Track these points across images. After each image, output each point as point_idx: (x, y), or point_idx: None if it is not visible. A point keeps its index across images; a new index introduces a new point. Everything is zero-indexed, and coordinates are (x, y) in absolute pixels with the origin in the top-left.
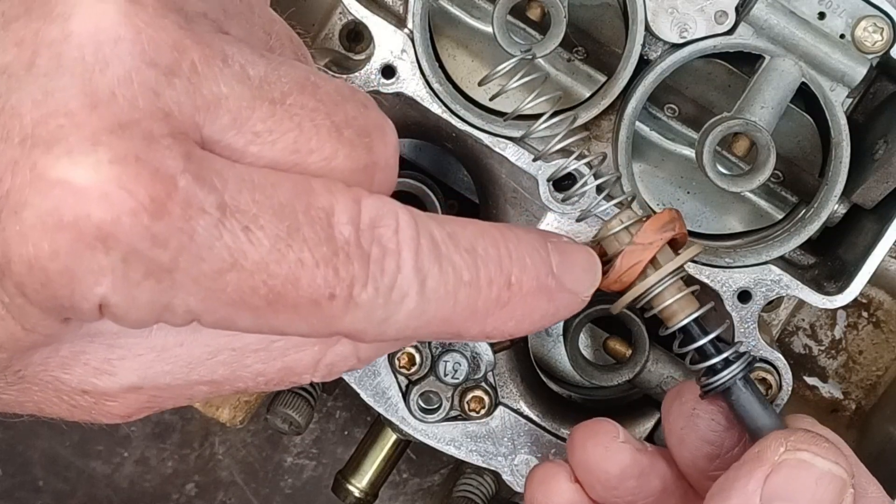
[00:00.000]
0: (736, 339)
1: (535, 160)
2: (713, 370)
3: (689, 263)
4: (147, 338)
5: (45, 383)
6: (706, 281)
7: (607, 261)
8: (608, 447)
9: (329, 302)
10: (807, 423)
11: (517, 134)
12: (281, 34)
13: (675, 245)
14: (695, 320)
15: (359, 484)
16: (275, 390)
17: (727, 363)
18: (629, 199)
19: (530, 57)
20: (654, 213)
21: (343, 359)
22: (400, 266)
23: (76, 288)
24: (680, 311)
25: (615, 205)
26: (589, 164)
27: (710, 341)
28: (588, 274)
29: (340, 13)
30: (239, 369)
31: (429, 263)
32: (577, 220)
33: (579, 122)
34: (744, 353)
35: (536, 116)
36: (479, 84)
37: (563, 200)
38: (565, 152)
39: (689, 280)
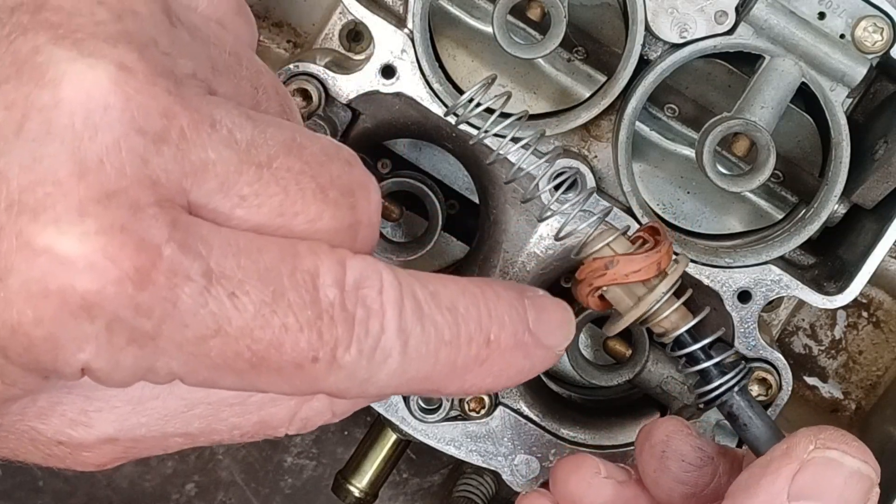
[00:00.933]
0: (734, 343)
1: (489, 164)
2: (707, 380)
3: (690, 265)
4: (123, 391)
5: (21, 432)
6: (706, 281)
7: (614, 256)
8: (591, 483)
9: (312, 364)
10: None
11: (517, 134)
12: (268, 87)
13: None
14: (688, 332)
15: (359, 484)
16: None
17: (722, 374)
18: (589, 191)
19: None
20: (646, 212)
21: (318, 413)
22: (384, 327)
23: (59, 354)
24: (674, 324)
25: (532, 153)
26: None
27: (703, 349)
28: (563, 329)
29: (340, 13)
30: (214, 423)
31: (412, 324)
32: (539, 220)
33: (578, 122)
34: (737, 362)
35: (536, 117)
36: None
37: (524, 202)
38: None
39: (682, 287)
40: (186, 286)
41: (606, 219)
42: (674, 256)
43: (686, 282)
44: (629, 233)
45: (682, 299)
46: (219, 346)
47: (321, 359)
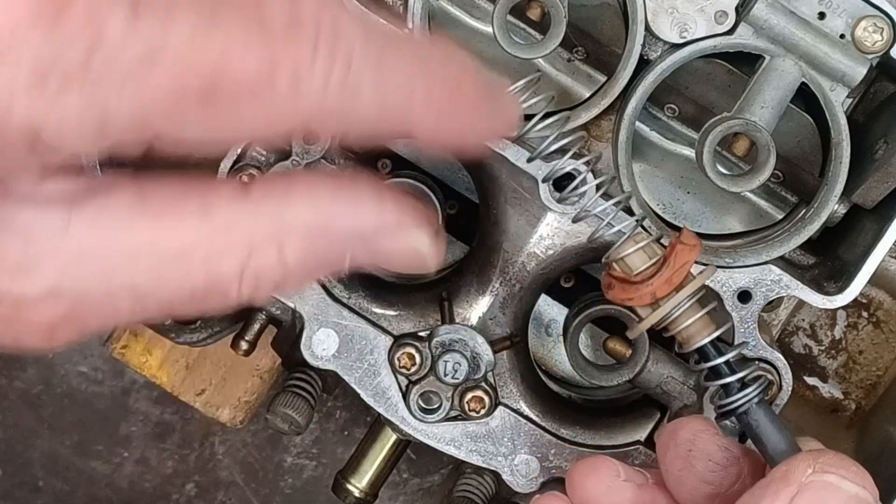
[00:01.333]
0: (739, 343)
1: (529, 160)
2: (729, 393)
3: (692, 265)
4: (64, 238)
5: None
6: (706, 281)
7: (620, 281)
8: (610, 486)
9: (270, 90)
10: (812, 445)
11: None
12: None
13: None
14: (712, 342)
15: (359, 484)
16: (205, 311)
17: (743, 386)
18: (627, 197)
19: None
20: (668, 229)
21: (269, 265)
22: (351, 48)
23: None
24: (697, 333)
25: (613, 204)
26: (587, 163)
27: (727, 362)
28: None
29: None
30: (160, 279)
31: (382, 48)
32: (574, 221)
33: (578, 122)
34: (760, 376)
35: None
36: None
37: (561, 200)
38: (562, 152)
39: (704, 298)
40: (111, 14)
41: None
42: (693, 268)
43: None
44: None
45: (706, 310)
46: (161, 75)
47: (279, 82)
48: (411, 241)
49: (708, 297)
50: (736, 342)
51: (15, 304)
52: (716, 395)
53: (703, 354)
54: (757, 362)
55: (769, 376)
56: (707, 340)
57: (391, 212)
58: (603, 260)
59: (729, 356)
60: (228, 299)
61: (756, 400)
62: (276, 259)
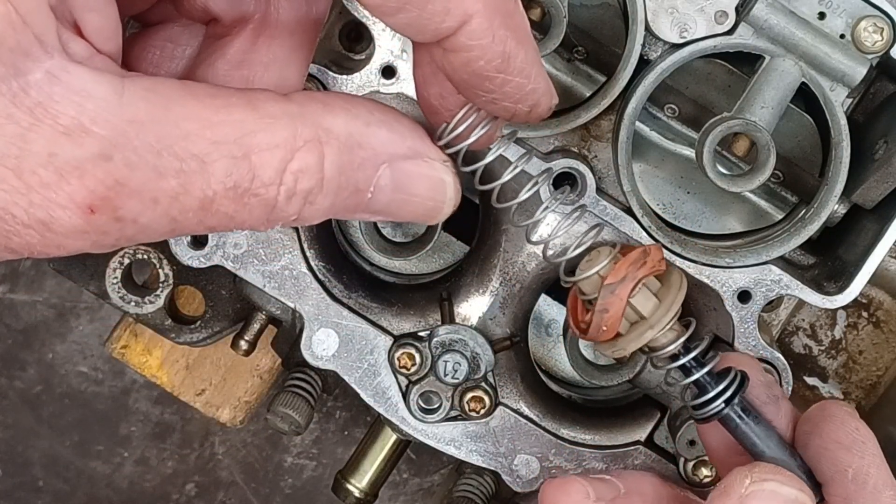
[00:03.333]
0: (733, 343)
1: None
2: (704, 399)
3: (690, 265)
4: (118, 103)
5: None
6: (706, 281)
7: (589, 301)
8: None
9: None
10: (842, 409)
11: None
12: None
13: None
14: (684, 346)
15: (359, 484)
16: (238, 220)
17: (718, 395)
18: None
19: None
20: (638, 222)
21: (308, 167)
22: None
23: None
24: (667, 345)
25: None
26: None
27: (706, 373)
28: None
29: (340, 13)
30: (207, 165)
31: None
32: (529, 241)
33: (578, 122)
34: (735, 376)
35: None
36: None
37: (517, 226)
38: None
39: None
40: None
41: (596, 237)
42: (673, 277)
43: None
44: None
45: (683, 320)
46: None
47: None
48: (438, 172)
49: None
50: (736, 342)
51: (61, 168)
52: (688, 394)
53: (683, 369)
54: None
55: (741, 373)
56: (685, 358)
57: (423, 140)
58: (583, 295)
59: (704, 371)
60: (266, 202)
61: (736, 401)
62: (315, 163)
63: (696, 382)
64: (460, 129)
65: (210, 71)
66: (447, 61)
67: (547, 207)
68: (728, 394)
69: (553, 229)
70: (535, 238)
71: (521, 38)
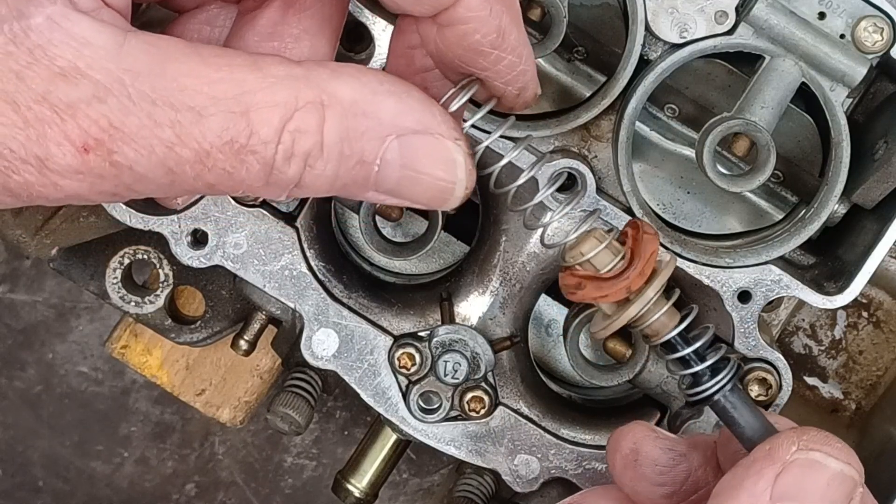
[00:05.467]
0: (724, 347)
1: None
2: (698, 381)
3: (689, 265)
4: (118, 52)
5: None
6: (706, 281)
7: (591, 279)
8: (654, 433)
9: None
10: (784, 424)
11: (517, 134)
12: None
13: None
14: (679, 333)
15: (359, 484)
16: (237, 181)
17: (713, 373)
18: (526, 139)
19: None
20: (645, 211)
21: (308, 128)
22: None
23: None
24: (663, 327)
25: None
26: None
27: (695, 351)
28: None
29: None
30: (203, 119)
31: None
32: (527, 227)
33: (578, 122)
34: (729, 360)
35: (536, 117)
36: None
37: (514, 211)
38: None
39: (668, 289)
40: None
41: (594, 222)
42: (659, 256)
43: (684, 282)
44: (615, 231)
45: (671, 301)
46: None
47: None
48: (450, 150)
49: (670, 287)
50: (736, 342)
51: (55, 105)
52: (683, 382)
53: (671, 346)
54: (724, 346)
55: (736, 359)
56: (676, 332)
57: (434, 115)
58: (563, 261)
59: (697, 346)
60: (264, 160)
61: (729, 387)
62: (314, 125)
63: (691, 357)
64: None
65: (240, 43)
66: (441, 38)
67: (546, 193)
68: (726, 374)
69: (551, 215)
70: (532, 223)
71: (514, 17)
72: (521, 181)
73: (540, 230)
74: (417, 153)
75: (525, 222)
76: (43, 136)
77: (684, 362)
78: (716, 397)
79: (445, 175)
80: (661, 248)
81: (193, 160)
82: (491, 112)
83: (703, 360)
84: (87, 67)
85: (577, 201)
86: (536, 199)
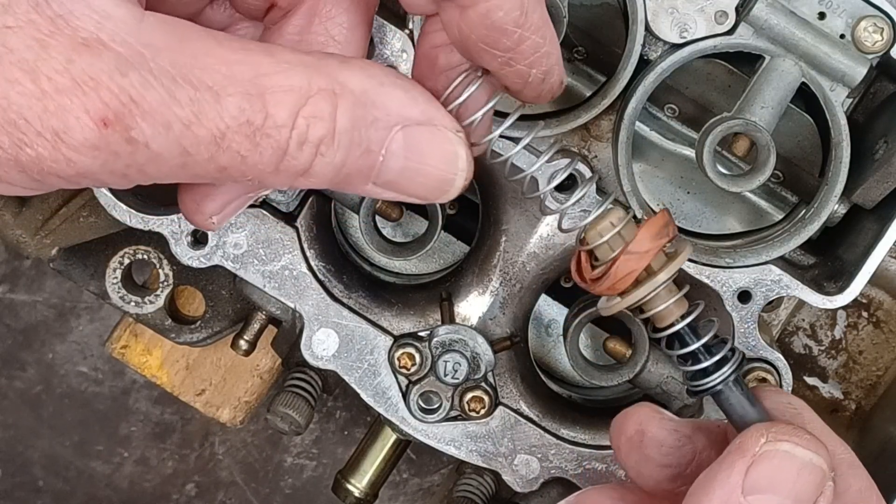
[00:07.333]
0: (731, 338)
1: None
2: (703, 373)
3: (689, 265)
4: (137, 27)
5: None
6: (706, 281)
7: (598, 264)
8: (660, 415)
9: None
10: (782, 397)
11: (517, 134)
12: None
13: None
14: (688, 325)
15: (359, 484)
16: (251, 167)
17: (718, 365)
18: (610, 195)
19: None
20: (647, 212)
21: (320, 116)
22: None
23: None
24: (670, 314)
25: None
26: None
27: (704, 344)
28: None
29: None
30: (220, 99)
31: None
32: (543, 214)
33: (578, 122)
34: (734, 355)
35: (536, 116)
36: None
37: (528, 197)
38: (564, 153)
39: (679, 279)
40: None
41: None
42: (674, 246)
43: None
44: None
45: (683, 291)
46: None
47: None
48: (451, 142)
49: (682, 279)
50: (736, 342)
51: (77, 76)
52: (686, 373)
53: (679, 338)
54: (757, 361)
55: (740, 350)
56: (684, 324)
57: (437, 108)
58: (581, 244)
59: (705, 339)
60: (277, 145)
61: (732, 378)
62: (328, 111)
63: (700, 351)
64: (459, 92)
65: None
66: (464, 20)
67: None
68: (731, 366)
69: (570, 199)
70: (547, 209)
71: None
72: (537, 165)
73: (556, 217)
74: (420, 144)
75: (541, 207)
76: (62, 108)
77: (691, 354)
78: (718, 388)
79: (447, 165)
80: (680, 235)
81: (209, 141)
82: (496, 112)
83: (709, 351)
84: (109, 40)
85: (592, 183)
86: (556, 181)
